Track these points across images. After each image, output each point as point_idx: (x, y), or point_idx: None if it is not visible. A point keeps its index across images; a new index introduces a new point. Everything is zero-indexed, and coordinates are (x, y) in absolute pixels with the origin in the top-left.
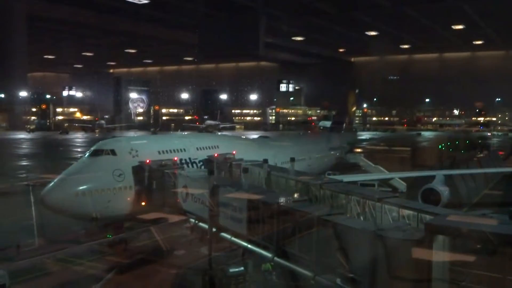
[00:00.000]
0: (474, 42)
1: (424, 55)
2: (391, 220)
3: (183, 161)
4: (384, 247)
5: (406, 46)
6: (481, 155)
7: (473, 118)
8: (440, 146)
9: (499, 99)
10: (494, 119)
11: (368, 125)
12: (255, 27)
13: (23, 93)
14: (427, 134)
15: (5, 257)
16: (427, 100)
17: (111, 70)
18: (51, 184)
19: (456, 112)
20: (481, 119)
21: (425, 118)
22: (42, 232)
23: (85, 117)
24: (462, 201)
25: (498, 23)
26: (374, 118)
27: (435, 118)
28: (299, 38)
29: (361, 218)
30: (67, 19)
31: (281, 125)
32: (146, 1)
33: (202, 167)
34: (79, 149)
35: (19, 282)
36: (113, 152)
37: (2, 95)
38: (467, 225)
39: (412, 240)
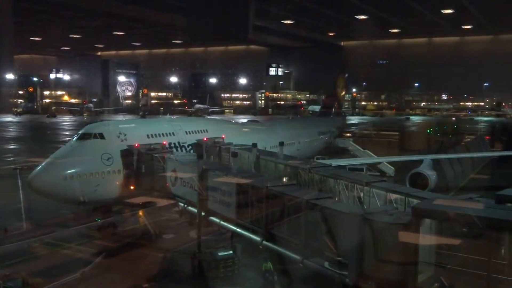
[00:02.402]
0: (463, 27)
1: (413, 39)
2: (379, 204)
3: (172, 145)
4: (372, 231)
5: (395, 30)
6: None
7: (461, 103)
8: (428, 131)
9: (487, 84)
10: (482, 103)
11: (357, 110)
12: (244, 10)
13: (9, 76)
14: (415, 118)
15: None
16: (416, 84)
17: (99, 53)
18: (38, 168)
19: (444, 96)
20: (469, 104)
21: (414, 103)
22: (30, 216)
23: (73, 100)
24: (449, 185)
25: (487, 7)
26: (363, 103)
27: (423, 103)
28: (288, 22)
29: (349, 202)
30: (53, 0)
31: (270, 109)
32: None
33: (191, 151)
34: (67, 133)
35: (7, 266)
36: (101, 136)
37: None
38: (454, 209)
39: (399, 224)
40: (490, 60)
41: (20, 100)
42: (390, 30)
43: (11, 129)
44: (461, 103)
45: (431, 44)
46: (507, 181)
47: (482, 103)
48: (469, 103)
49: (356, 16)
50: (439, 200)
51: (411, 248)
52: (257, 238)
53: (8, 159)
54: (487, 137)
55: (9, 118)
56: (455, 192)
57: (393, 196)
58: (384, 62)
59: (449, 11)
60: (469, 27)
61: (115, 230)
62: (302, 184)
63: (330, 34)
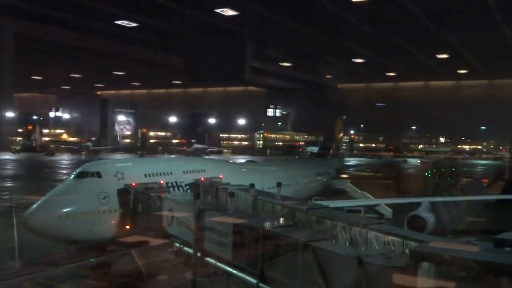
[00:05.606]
0: (458, 71)
1: (410, 82)
2: (376, 246)
3: (169, 185)
4: (369, 274)
5: (392, 74)
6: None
7: (458, 146)
8: (426, 173)
9: (484, 128)
10: (479, 147)
11: (355, 151)
12: (242, 52)
13: (9, 114)
14: (413, 161)
15: None
16: (414, 127)
17: (99, 92)
18: (34, 206)
19: (442, 139)
20: (467, 147)
21: (411, 145)
22: (23, 254)
23: (71, 139)
24: (447, 228)
25: (482, 53)
26: (361, 144)
27: (421, 145)
28: (286, 64)
29: (347, 244)
30: (55, 40)
31: (268, 150)
32: (135, 25)
33: (189, 190)
34: (64, 171)
35: None
36: (98, 175)
37: None
38: (452, 252)
39: (397, 267)
40: (487, 104)
41: (19, 138)
42: (386, 74)
43: (8, 167)
44: (458, 146)
45: (427, 87)
46: (505, 224)
47: (480, 147)
48: (466, 146)
49: (353, 60)
50: (437, 243)
51: None
52: (253, 280)
53: (5, 197)
54: (484, 180)
55: (7, 156)
56: (453, 235)
57: (391, 238)
58: (382, 104)
59: (444, 56)
60: (464, 71)
61: (109, 270)
62: (300, 226)
63: (328, 76)
